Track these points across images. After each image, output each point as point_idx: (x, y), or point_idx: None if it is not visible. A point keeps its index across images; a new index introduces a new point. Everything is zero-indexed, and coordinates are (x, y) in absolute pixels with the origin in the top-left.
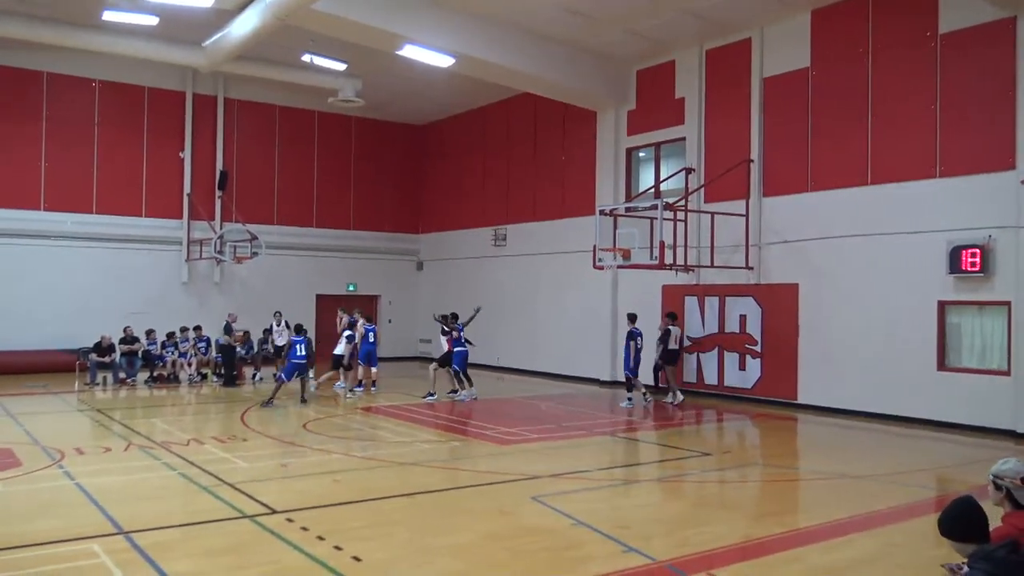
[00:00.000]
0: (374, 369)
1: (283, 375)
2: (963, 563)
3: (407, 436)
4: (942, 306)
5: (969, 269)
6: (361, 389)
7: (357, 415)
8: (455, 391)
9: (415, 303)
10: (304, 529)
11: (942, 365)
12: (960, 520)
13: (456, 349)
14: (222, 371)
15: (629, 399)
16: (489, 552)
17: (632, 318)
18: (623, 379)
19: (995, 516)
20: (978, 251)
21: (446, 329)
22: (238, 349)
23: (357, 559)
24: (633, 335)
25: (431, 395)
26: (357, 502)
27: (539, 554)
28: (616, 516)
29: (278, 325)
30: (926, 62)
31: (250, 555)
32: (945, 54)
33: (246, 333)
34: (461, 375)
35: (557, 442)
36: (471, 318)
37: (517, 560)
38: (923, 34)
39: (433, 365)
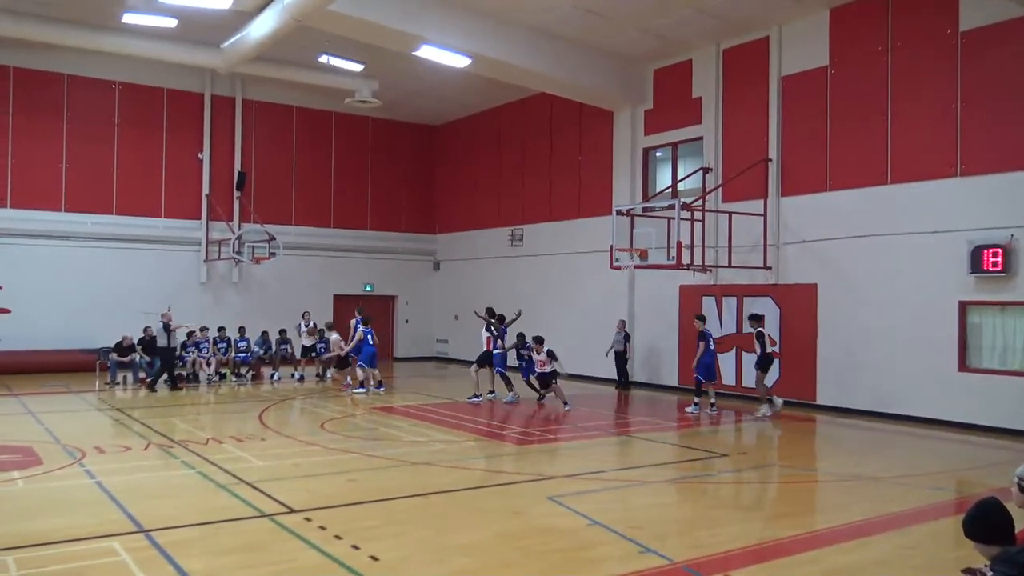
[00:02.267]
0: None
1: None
2: (986, 565)
3: (423, 436)
4: (963, 306)
5: (991, 269)
6: (363, 390)
7: (374, 415)
8: (493, 391)
9: (432, 303)
10: (322, 528)
11: (963, 366)
12: (985, 522)
13: (495, 351)
14: (165, 377)
15: (696, 404)
16: (505, 552)
17: (703, 319)
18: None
19: (1020, 519)
20: (1000, 251)
21: (492, 328)
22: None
23: (374, 558)
24: (706, 336)
25: (476, 396)
26: (374, 501)
27: (554, 554)
28: (632, 517)
29: (307, 325)
30: (946, 60)
31: (268, 554)
32: (966, 52)
33: (190, 334)
34: (503, 376)
35: (573, 442)
36: (513, 320)
37: (532, 560)
38: (943, 32)
39: (474, 366)
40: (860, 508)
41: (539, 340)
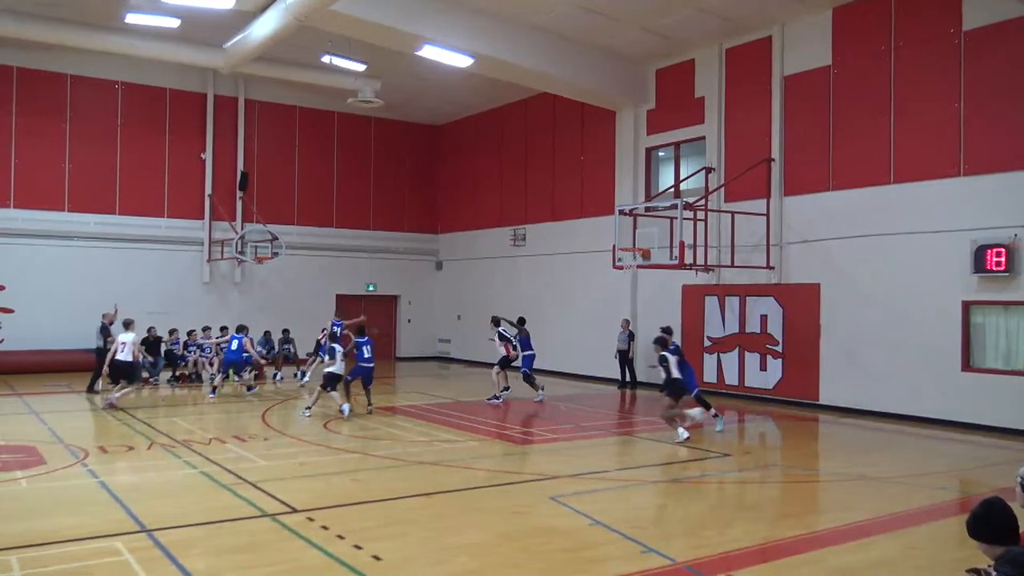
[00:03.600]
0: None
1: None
2: (990, 566)
3: (425, 436)
4: (966, 306)
5: (994, 269)
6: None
7: (377, 415)
8: (507, 387)
9: (434, 303)
10: (324, 528)
11: (966, 366)
12: (988, 522)
13: (524, 353)
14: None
15: (717, 415)
16: (507, 552)
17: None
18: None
19: (1023, 519)
20: (1003, 250)
21: (506, 335)
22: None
23: (377, 558)
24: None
25: (496, 398)
26: (376, 501)
27: (557, 554)
28: (634, 517)
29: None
30: (949, 59)
31: (271, 553)
32: (969, 51)
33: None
34: (532, 378)
35: (576, 442)
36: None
37: (535, 560)
38: (946, 31)
39: (496, 368)
40: (863, 508)
41: (333, 337)
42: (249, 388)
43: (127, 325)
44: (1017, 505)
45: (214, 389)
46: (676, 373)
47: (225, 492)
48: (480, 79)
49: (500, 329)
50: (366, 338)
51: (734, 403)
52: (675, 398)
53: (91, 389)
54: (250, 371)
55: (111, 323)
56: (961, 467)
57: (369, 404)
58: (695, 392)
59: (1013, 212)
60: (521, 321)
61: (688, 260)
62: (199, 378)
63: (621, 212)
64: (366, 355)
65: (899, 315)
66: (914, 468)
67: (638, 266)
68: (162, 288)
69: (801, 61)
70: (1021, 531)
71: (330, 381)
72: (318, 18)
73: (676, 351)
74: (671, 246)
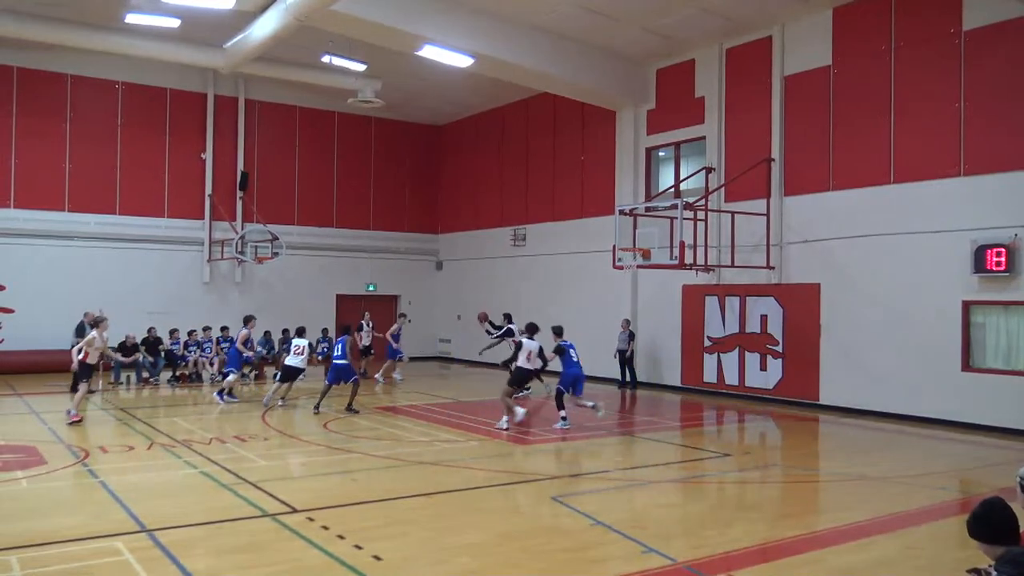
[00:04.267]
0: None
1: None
2: (990, 566)
3: (426, 436)
4: (966, 306)
5: (994, 268)
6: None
7: (377, 415)
8: (529, 386)
9: (434, 303)
10: (324, 528)
11: (967, 366)
12: (989, 522)
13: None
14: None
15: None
16: (507, 552)
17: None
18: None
19: (1023, 519)
20: (1003, 250)
21: (511, 332)
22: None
23: (377, 558)
24: (564, 348)
25: (527, 389)
26: (377, 501)
27: (557, 554)
28: (635, 517)
29: (368, 325)
30: (950, 59)
31: (271, 553)
32: (969, 51)
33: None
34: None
35: (576, 442)
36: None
37: (535, 560)
38: (947, 31)
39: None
40: (863, 508)
41: (298, 332)
42: (230, 394)
43: (94, 324)
44: (1017, 505)
45: (227, 391)
46: (522, 362)
47: (225, 492)
48: (480, 79)
49: (508, 326)
50: (341, 336)
51: (734, 403)
52: (515, 386)
53: (73, 388)
54: (250, 371)
55: (92, 323)
56: (961, 467)
57: (349, 404)
58: (559, 391)
59: (1013, 212)
60: (508, 318)
61: (688, 260)
62: (199, 378)
63: (621, 212)
64: (336, 352)
65: (899, 315)
66: (914, 468)
67: (638, 266)
68: (162, 288)
69: (801, 61)
70: (1021, 531)
71: (285, 376)
72: (318, 18)
73: (562, 347)
74: (671, 246)
